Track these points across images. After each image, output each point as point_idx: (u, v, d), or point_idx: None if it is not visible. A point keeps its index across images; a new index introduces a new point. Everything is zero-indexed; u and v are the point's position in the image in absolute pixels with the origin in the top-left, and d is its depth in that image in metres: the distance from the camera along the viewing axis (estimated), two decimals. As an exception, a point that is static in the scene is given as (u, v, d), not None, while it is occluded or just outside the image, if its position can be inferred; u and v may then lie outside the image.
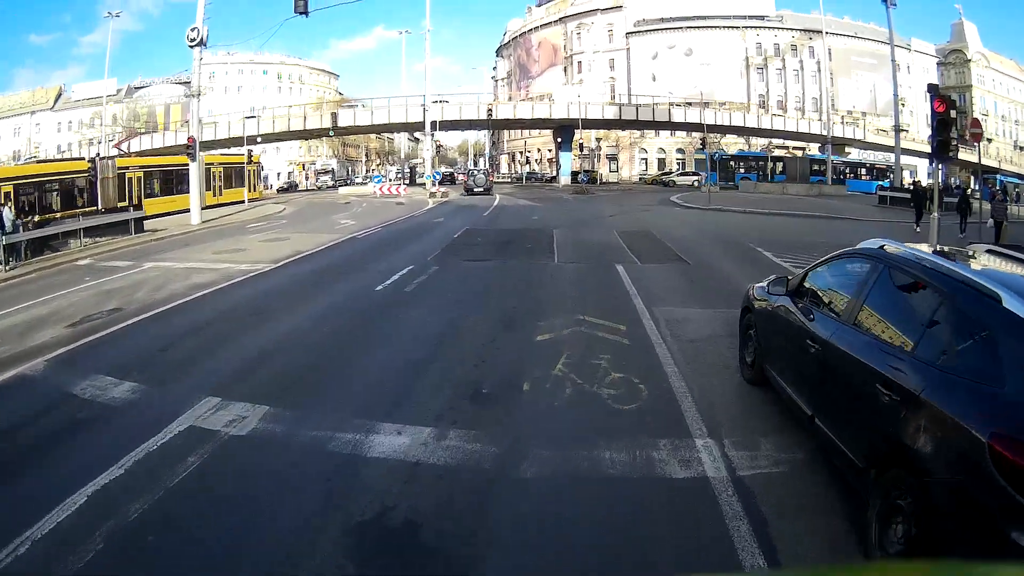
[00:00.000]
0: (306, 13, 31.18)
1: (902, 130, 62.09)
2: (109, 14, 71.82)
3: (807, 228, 31.57)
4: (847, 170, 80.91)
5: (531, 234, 26.26)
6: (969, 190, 50.95)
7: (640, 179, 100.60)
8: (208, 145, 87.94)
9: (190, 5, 42.83)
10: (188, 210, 38.63)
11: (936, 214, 15.81)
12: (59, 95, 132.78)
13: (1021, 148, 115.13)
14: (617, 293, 14.25)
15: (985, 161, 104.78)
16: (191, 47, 38.87)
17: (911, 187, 43.61)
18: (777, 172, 76.16)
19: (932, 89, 15.58)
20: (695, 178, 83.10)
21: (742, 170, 79.08)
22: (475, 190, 62.46)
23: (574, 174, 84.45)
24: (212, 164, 53.02)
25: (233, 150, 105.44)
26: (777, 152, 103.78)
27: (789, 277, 8.27)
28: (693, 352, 9.91)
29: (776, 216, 37.95)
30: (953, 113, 15.66)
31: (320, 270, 18.72)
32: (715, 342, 10.44)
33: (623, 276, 16.25)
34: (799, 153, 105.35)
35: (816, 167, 75.78)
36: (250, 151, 47.34)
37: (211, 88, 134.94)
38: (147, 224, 34.08)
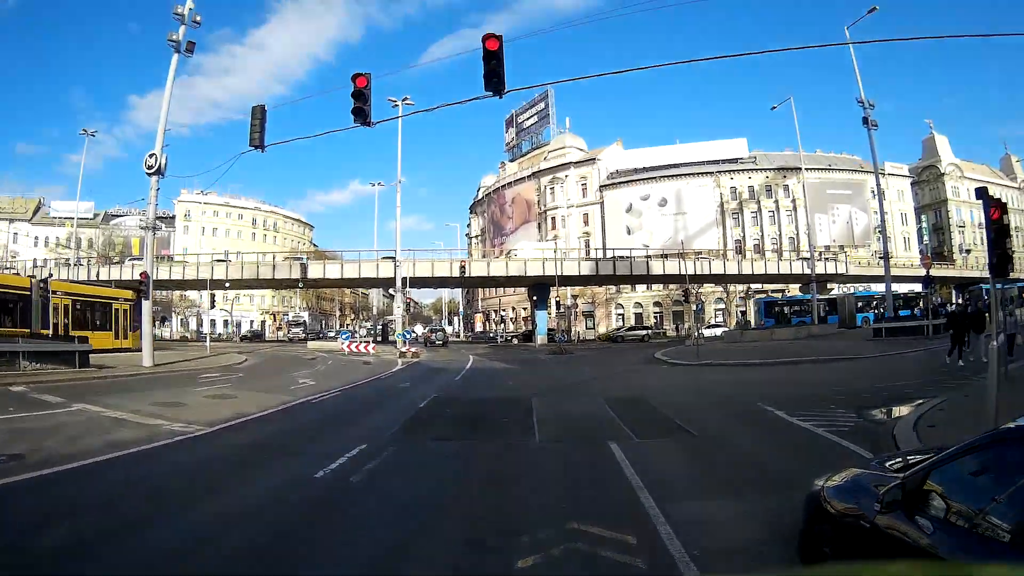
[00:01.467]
0: (262, 148, 29.37)
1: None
2: (85, 132, 71.29)
3: (812, 376, 29.65)
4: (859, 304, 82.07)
5: (507, 404, 23.18)
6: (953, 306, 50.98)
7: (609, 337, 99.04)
8: (175, 285, 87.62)
9: (171, 142, 41.24)
10: (121, 350, 36.81)
11: (996, 342, 13.13)
12: (38, 208, 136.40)
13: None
14: (616, 485, 11.13)
15: (966, 272, 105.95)
16: (149, 175, 37.36)
17: (948, 313, 42.86)
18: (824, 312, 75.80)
19: (982, 194, 13.06)
20: (644, 332, 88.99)
21: (795, 315, 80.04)
22: (436, 343, 78.49)
23: (550, 332, 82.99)
24: (56, 293, 43.73)
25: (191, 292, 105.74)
26: (772, 294, 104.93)
27: (879, 470, 6.25)
28: (735, 573, 7.16)
29: (773, 366, 36.03)
30: (1007, 219, 13.06)
31: (256, 442, 15.62)
32: (758, 552, 7.82)
33: (620, 458, 13.04)
34: (779, 296, 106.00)
35: (860, 304, 76.05)
36: (140, 284, 41.18)
37: (186, 227, 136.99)
38: (95, 359, 33.69)
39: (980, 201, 13.85)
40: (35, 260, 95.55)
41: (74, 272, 75.93)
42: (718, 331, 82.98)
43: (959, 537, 4.37)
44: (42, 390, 23.49)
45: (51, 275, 66.35)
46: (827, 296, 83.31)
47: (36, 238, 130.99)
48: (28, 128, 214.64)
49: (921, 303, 64.14)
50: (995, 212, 12.87)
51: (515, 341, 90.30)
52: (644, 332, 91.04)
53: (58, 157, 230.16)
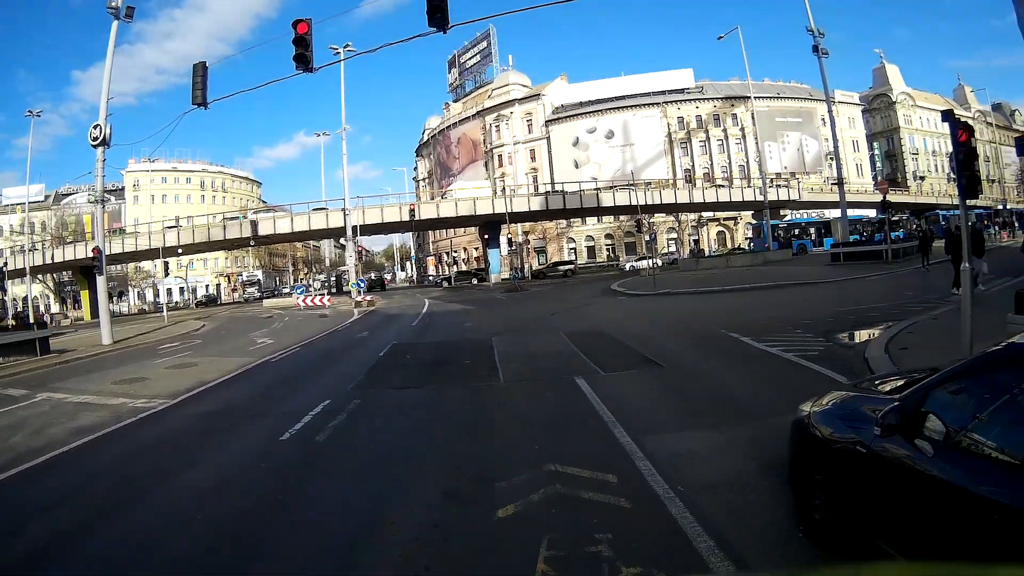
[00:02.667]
0: (205, 105, 28.77)
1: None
2: (31, 113, 69.26)
3: (774, 301, 29.86)
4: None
5: (467, 346, 23.06)
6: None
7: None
8: (129, 257, 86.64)
9: (116, 112, 40.34)
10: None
11: (967, 264, 13.11)
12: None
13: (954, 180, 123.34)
14: (589, 422, 10.94)
15: (921, 199, 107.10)
16: (94, 147, 36.33)
17: (920, 233, 43.60)
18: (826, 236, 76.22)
19: (949, 117, 12.95)
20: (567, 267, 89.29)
21: (796, 237, 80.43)
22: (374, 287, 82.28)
23: (513, 271, 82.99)
24: None
25: (145, 263, 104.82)
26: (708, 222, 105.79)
27: (865, 392, 6.25)
28: (723, 507, 6.92)
29: (734, 293, 36.06)
30: (974, 142, 12.94)
31: (219, 410, 15.25)
32: (745, 485, 7.58)
33: (589, 395, 12.87)
34: (730, 223, 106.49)
35: (856, 227, 74.46)
36: (93, 260, 40.81)
37: (136, 197, 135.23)
38: (57, 343, 33.89)
39: (934, 129, 13.75)
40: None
41: (29, 258, 74.69)
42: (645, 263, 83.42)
43: (962, 460, 4.20)
44: (6, 384, 22.78)
45: (5, 264, 65.30)
46: (823, 220, 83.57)
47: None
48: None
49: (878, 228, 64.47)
50: (963, 135, 12.73)
51: (475, 281, 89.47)
52: (567, 268, 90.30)
53: (7, 143, 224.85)
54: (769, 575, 5.83)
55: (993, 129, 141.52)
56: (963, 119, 13.94)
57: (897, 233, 59.47)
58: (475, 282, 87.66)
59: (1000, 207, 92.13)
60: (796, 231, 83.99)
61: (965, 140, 12.74)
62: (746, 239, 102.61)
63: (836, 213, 71.22)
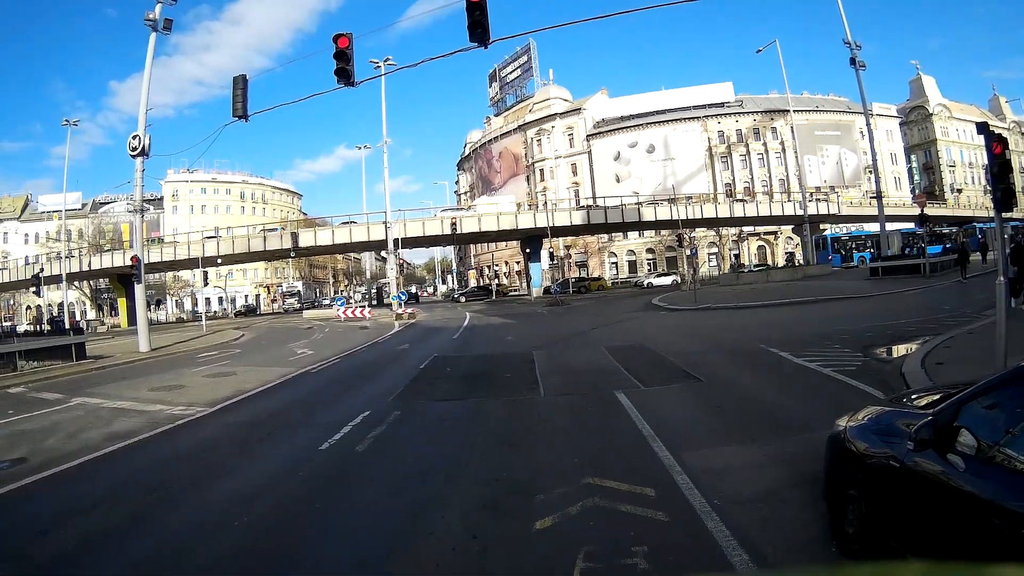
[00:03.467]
0: (245, 117, 29.02)
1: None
2: (67, 122, 69.98)
3: (813, 315, 29.70)
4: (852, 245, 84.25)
5: (508, 359, 22.98)
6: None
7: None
8: (167, 266, 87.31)
9: (155, 124, 40.87)
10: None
11: (1002, 277, 13.08)
12: (26, 205, 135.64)
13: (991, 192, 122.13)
14: (628, 435, 10.95)
15: (959, 212, 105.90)
16: (133, 157, 36.97)
17: (959, 246, 44.16)
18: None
19: (984, 129, 12.90)
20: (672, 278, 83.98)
21: (857, 250, 78.72)
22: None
23: (547, 288, 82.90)
24: None
25: (184, 272, 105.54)
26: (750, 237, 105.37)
27: (899, 407, 6.23)
28: (759, 521, 6.93)
29: (773, 308, 35.97)
30: (1008, 154, 12.91)
31: (258, 419, 15.33)
32: (782, 499, 7.57)
33: (629, 408, 12.89)
34: (771, 238, 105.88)
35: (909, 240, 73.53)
36: (132, 269, 41.52)
37: (175, 207, 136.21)
38: (93, 349, 33.98)
39: (970, 141, 13.73)
40: (26, 257, 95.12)
41: (66, 264, 75.51)
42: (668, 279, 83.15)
43: (994, 474, 4.23)
44: (41, 388, 23.12)
45: (42, 270, 65.99)
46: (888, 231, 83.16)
47: (27, 235, 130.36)
48: (11, 125, 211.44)
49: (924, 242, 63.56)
50: (997, 147, 12.68)
51: (492, 296, 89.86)
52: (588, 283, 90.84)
53: (44, 151, 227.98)
54: (775, 574, 5.86)
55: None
56: (998, 131, 13.88)
57: (935, 248, 58.68)
58: (492, 297, 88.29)
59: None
60: (855, 244, 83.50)
61: (1000, 152, 12.70)
62: (785, 253, 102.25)
63: (911, 225, 70.47)
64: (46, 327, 40.05)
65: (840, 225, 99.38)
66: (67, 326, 48.40)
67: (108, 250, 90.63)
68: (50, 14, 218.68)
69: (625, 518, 7.23)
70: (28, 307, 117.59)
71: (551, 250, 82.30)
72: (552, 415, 13.33)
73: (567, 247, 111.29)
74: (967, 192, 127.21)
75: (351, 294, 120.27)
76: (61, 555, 7.41)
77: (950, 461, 4.53)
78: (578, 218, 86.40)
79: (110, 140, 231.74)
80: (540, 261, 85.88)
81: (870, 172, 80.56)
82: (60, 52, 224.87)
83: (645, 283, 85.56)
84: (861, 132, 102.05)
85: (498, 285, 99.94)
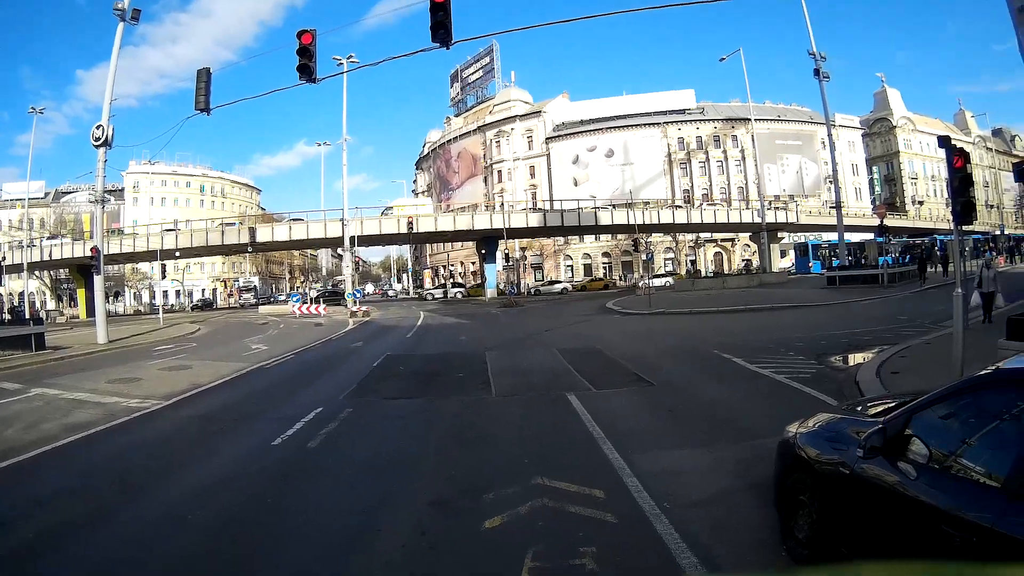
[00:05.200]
0: (208, 111, 28.92)
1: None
2: (33, 109, 68.93)
3: (768, 323, 29.94)
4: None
5: (461, 359, 23.03)
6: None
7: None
8: (127, 258, 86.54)
9: (119, 114, 40.54)
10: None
11: (960, 290, 13.28)
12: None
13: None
14: (578, 437, 11.02)
15: (919, 224, 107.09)
16: (96, 147, 36.21)
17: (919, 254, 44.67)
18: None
19: (945, 143, 13.08)
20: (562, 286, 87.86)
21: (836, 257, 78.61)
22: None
23: (502, 288, 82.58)
24: None
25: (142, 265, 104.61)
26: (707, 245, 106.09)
27: (851, 415, 6.33)
28: (709, 524, 6.99)
29: (728, 314, 36.31)
30: (970, 168, 13.08)
31: (213, 413, 15.24)
32: (731, 504, 7.65)
33: (580, 410, 12.97)
34: (728, 244, 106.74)
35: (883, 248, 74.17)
36: (91, 260, 40.95)
37: (135, 199, 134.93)
38: (52, 340, 33.80)
39: (933, 154, 13.93)
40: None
41: (27, 254, 74.58)
42: (659, 281, 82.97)
43: (944, 483, 4.28)
44: (0, 378, 22.88)
45: (3, 258, 65.20)
46: (859, 242, 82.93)
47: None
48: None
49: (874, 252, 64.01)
50: (958, 160, 12.88)
51: (459, 296, 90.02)
52: (561, 287, 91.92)
53: (9, 139, 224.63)
54: (769, 575, 5.90)
55: (993, 154, 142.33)
56: (960, 145, 14.08)
57: (885, 259, 59.22)
58: (437, 295, 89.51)
59: (998, 232, 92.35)
60: (834, 252, 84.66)
61: (961, 166, 12.87)
62: (742, 260, 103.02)
63: (871, 235, 70.82)
64: (7, 316, 39.59)
65: (800, 234, 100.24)
66: (27, 316, 47.73)
67: (69, 240, 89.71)
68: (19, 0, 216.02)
69: (574, 519, 7.25)
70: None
71: (507, 251, 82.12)
72: (503, 415, 13.38)
73: (523, 249, 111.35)
74: (928, 204, 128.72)
75: (307, 291, 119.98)
76: (16, 548, 7.34)
77: (901, 469, 4.59)
78: (535, 220, 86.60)
79: (74, 129, 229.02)
80: (496, 262, 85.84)
81: (830, 182, 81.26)
82: (28, 39, 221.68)
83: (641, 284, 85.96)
84: (823, 142, 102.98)
85: (463, 286, 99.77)
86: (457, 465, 9.83)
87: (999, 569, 3.20)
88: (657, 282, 79.18)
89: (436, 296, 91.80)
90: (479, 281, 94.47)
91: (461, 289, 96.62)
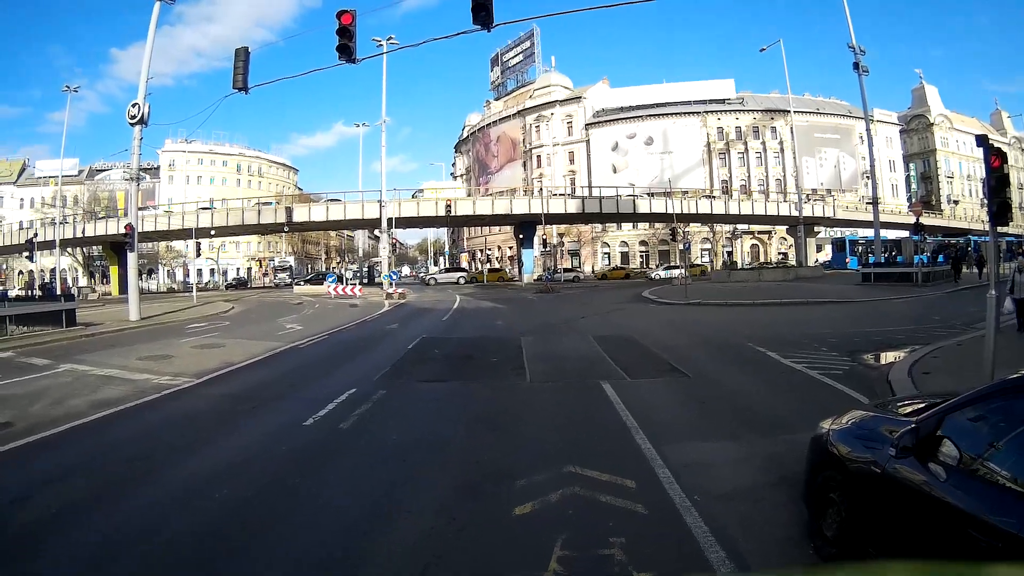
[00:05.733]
0: (245, 90, 28.87)
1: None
2: (67, 88, 69.33)
3: (802, 317, 29.64)
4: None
5: (496, 344, 23.09)
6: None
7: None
8: (161, 236, 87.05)
9: (155, 93, 40.65)
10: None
11: (993, 291, 13.16)
12: (23, 169, 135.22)
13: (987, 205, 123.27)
14: (611, 426, 10.95)
15: (954, 223, 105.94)
16: (131, 124, 36.60)
17: (953, 254, 44.52)
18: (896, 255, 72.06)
19: (983, 142, 12.93)
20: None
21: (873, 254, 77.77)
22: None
23: (542, 275, 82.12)
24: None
25: (177, 243, 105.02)
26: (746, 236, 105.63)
27: (884, 413, 6.21)
28: (738, 519, 6.92)
29: (762, 307, 36.00)
30: (1007, 168, 12.95)
31: (244, 392, 15.33)
32: (762, 498, 7.58)
33: (614, 399, 12.89)
34: (764, 237, 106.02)
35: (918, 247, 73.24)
36: (125, 237, 41.10)
37: (171, 177, 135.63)
38: (84, 316, 33.83)
39: (970, 153, 13.75)
40: (20, 222, 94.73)
41: (60, 231, 75.16)
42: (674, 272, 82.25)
43: (974, 486, 4.25)
44: (30, 353, 23.14)
45: (36, 235, 65.64)
46: (896, 240, 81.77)
47: (22, 200, 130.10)
48: (9, 90, 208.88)
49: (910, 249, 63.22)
50: (995, 160, 12.71)
51: (461, 281, 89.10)
52: (573, 275, 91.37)
53: (42, 117, 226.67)
54: (770, 574, 5.89)
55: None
56: (997, 145, 13.90)
57: (920, 257, 58.47)
58: (461, 282, 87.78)
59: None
60: (871, 248, 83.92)
61: (998, 166, 12.72)
62: (778, 253, 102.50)
63: (906, 233, 70.03)
64: (37, 292, 39.93)
65: (836, 229, 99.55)
66: (58, 292, 48.23)
67: (103, 217, 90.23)
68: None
69: (604, 508, 7.23)
70: (20, 272, 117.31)
71: (544, 237, 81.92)
72: (537, 401, 13.36)
73: (560, 235, 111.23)
74: (963, 204, 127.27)
75: (343, 271, 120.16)
76: (40, 520, 7.38)
77: (931, 470, 4.55)
78: (573, 206, 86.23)
79: (108, 108, 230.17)
80: (533, 247, 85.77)
81: (867, 177, 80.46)
82: (61, 17, 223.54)
83: (652, 275, 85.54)
84: (860, 137, 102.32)
85: (491, 269, 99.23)
86: (489, 450, 9.83)
87: (999, 569, 3.26)
88: (665, 274, 78.99)
89: (439, 281, 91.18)
90: (497, 266, 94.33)
91: (463, 273, 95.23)
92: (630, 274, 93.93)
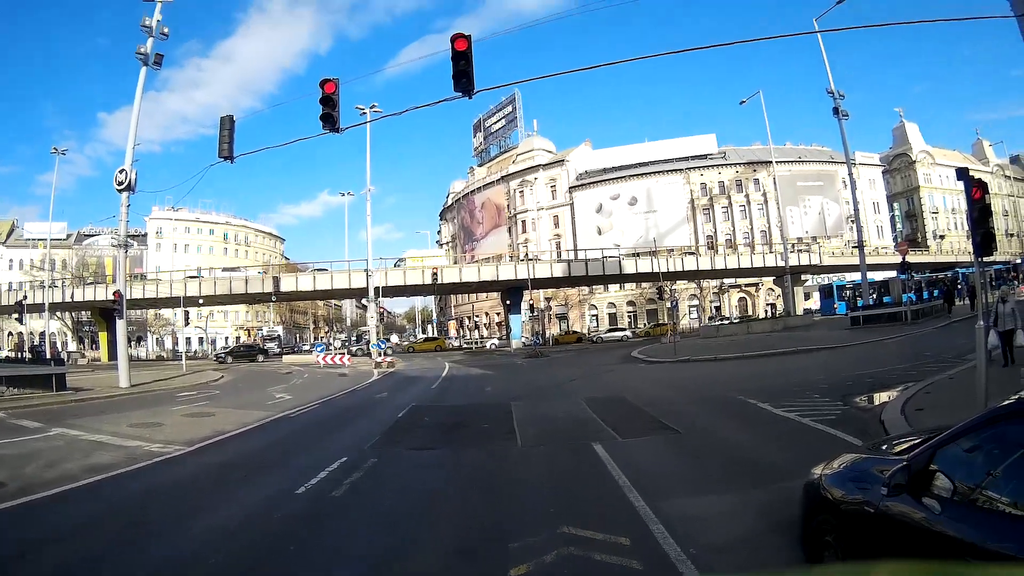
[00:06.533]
0: (231, 158, 28.87)
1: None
2: (56, 150, 69.32)
3: (793, 366, 29.78)
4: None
5: (486, 410, 22.91)
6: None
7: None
8: (149, 303, 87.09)
9: (142, 159, 40.86)
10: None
11: (982, 322, 13.27)
12: (11, 230, 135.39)
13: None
14: (604, 485, 10.93)
15: (941, 258, 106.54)
16: (119, 191, 36.73)
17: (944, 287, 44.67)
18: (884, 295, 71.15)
19: (963, 175, 13.12)
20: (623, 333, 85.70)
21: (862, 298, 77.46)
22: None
23: (534, 336, 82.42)
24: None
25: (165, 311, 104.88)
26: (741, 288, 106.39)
27: (876, 454, 6.33)
28: (734, 568, 7.18)
29: (752, 359, 36.12)
30: (988, 198, 13.13)
31: (236, 460, 15.30)
32: (757, 546, 7.68)
33: (605, 459, 12.84)
34: (752, 289, 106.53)
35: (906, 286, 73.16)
36: (114, 304, 41.05)
37: (158, 244, 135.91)
38: (74, 381, 33.57)
39: (953, 187, 13.97)
40: (10, 283, 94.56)
41: (49, 294, 75.19)
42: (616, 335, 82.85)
43: (970, 516, 4.26)
44: (20, 415, 23.13)
45: (25, 298, 65.55)
46: (883, 280, 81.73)
47: (11, 260, 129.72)
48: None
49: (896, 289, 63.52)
50: (976, 192, 12.90)
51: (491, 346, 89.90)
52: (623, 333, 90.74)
53: (30, 178, 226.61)
54: (769, 575, 5.81)
55: (1012, 182, 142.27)
56: (978, 175, 14.10)
57: (909, 295, 58.85)
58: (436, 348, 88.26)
59: (1019, 261, 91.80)
60: (860, 292, 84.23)
61: (979, 197, 12.89)
62: (766, 304, 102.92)
63: (894, 273, 70.37)
64: (27, 355, 40.09)
65: (823, 276, 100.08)
66: (48, 356, 48.28)
67: (91, 283, 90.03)
68: (41, 38, 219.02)
69: (600, 566, 7.22)
70: (10, 333, 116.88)
71: (531, 302, 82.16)
72: (529, 464, 13.33)
73: (547, 299, 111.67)
74: (950, 238, 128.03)
75: (331, 340, 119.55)
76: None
77: (926, 505, 4.56)
78: (559, 270, 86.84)
79: (97, 171, 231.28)
80: (520, 313, 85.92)
81: (852, 222, 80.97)
82: (51, 79, 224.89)
83: (595, 338, 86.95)
84: (844, 182, 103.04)
85: (426, 338, 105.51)
86: (483, 514, 9.80)
87: (999, 569, 3.32)
88: (613, 335, 79.83)
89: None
90: (506, 331, 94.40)
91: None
92: (581, 338, 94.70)
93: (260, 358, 77.28)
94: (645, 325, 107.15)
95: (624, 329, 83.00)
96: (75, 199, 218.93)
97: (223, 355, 78.44)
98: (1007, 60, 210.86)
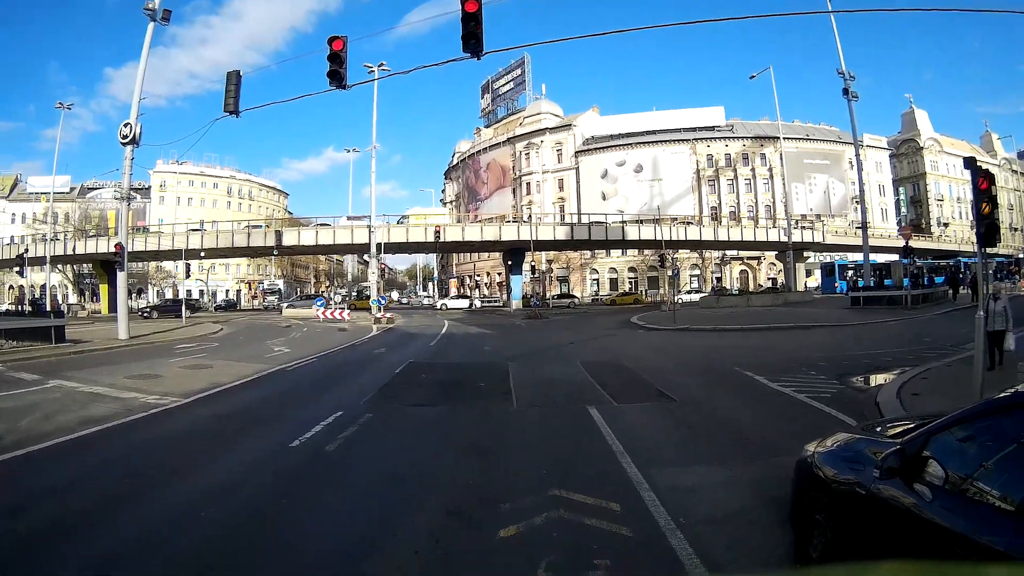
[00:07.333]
0: (236, 113, 28.69)
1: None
2: (61, 105, 68.83)
3: (792, 342, 29.75)
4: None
5: (483, 369, 23.03)
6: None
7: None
8: (151, 256, 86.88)
9: (147, 113, 40.89)
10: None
11: (981, 312, 13.25)
12: (15, 184, 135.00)
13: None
14: (598, 450, 10.95)
15: (945, 246, 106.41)
16: (123, 144, 36.50)
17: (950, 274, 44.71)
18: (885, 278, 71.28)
19: (970, 164, 13.05)
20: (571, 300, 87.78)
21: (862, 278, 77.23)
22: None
23: (525, 298, 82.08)
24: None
25: (167, 263, 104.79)
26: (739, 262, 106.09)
27: (870, 435, 6.26)
28: (723, 541, 6.97)
29: (752, 332, 36.12)
30: (994, 190, 13.06)
31: (231, 413, 15.26)
32: (747, 521, 7.57)
33: (600, 424, 12.86)
34: (754, 263, 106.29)
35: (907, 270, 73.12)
36: (115, 256, 40.90)
37: (162, 198, 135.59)
38: (73, 333, 33.71)
39: (960, 176, 13.90)
40: (11, 237, 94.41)
41: (51, 247, 75.10)
42: (689, 297, 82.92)
43: (960, 506, 4.20)
44: (18, 368, 23.25)
45: (27, 251, 65.47)
46: (884, 263, 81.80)
47: (13, 215, 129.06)
48: (3, 104, 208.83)
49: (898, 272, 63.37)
50: (983, 182, 12.84)
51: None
52: (570, 300, 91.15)
53: (35, 133, 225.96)
54: (767, 574, 5.85)
55: (1018, 177, 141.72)
56: (986, 167, 14.04)
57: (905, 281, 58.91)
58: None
59: (1021, 255, 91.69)
60: (859, 273, 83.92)
61: (986, 188, 12.83)
62: (767, 278, 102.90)
63: (896, 256, 70.31)
64: (27, 308, 39.95)
65: (825, 254, 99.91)
66: (48, 309, 48.33)
67: (93, 235, 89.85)
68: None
69: (589, 531, 7.20)
70: (11, 287, 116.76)
71: (533, 263, 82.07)
72: (523, 426, 13.32)
73: (549, 261, 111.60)
74: (953, 227, 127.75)
75: (331, 295, 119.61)
76: (31, 534, 7.37)
77: (917, 491, 4.52)
78: (562, 233, 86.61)
79: (101, 126, 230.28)
80: (522, 274, 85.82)
81: (857, 202, 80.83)
82: (57, 35, 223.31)
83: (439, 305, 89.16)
84: (850, 162, 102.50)
85: (357, 298, 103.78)
86: (475, 474, 9.80)
87: (998, 569, 3.30)
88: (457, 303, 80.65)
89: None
90: (507, 291, 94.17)
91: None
92: (572, 303, 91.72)
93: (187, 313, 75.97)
94: (612, 293, 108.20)
95: (745, 292, 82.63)
96: (79, 154, 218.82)
97: (148, 311, 77.35)
98: (1017, 55, 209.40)
